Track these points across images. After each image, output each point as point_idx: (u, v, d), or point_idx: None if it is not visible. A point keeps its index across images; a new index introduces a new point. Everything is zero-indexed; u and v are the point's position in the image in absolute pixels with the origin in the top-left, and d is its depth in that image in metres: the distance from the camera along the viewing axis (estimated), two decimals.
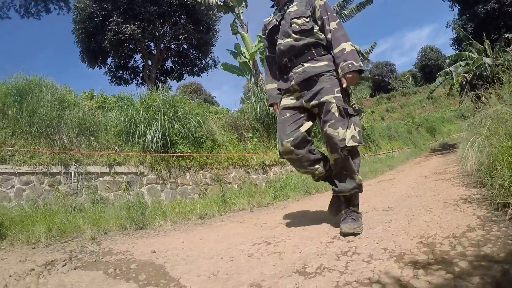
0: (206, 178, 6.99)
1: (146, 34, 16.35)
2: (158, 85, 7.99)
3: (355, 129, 2.23)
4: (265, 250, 2.09)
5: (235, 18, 13.56)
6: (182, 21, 17.37)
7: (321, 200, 4.30)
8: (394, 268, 1.43)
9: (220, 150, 7.54)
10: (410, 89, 44.18)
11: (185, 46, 18.98)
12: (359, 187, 2.31)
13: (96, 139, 6.11)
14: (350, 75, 2.22)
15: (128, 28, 15.18)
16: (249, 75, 13.36)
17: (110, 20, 15.30)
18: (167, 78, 19.70)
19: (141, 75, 19.65)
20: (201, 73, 20.31)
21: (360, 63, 2.23)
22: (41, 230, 3.08)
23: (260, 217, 3.64)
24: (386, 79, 45.42)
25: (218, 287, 1.58)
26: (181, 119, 7.05)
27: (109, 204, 5.11)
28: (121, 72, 19.67)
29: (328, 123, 2.22)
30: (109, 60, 18.84)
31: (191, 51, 19.62)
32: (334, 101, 2.22)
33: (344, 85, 2.24)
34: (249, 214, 4.08)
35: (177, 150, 6.70)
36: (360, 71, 2.24)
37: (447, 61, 18.54)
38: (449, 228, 1.88)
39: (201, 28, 17.62)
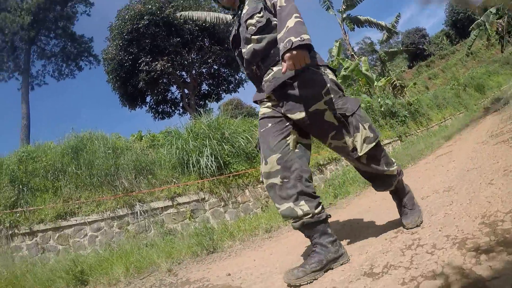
0: (265, 191, 7.11)
1: (176, 66, 16.96)
2: (200, 111, 8.27)
3: (364, 128, 1.87)
4: None
5: None
6: (207, 44, 17.80)
7: None
8: (457, 256, 1.44)
9: None
10: (447, 50, 41.52)
11: (215, 67, 19.36)
12: (398, 174, 2.06)
13: (153, 176, 6.46)
14: (288, 54, 1.68)
15: (158, 64, 15.82)
16: None
17: (139, 62, 16.05)
18: (206, 101, 20.15)
19: (181, 104, 20.27)
20: (238, 89, 20.62)
21: (304, 35, 1.68)
22: (119, 270, 3.21)
23: None
24: (420, 46, 43.26)
25: None
26: (230, 139, 7.21)
27: (177, 235, 5.32)
28: (161, 106, 20.42)
29: (330, 135, 1.90)
30: (148, 98, 19.66)
31: (223, 70, 19.97)
32: (326, 107, 1.84)
33: (283, 70, 1.73)
34: None
35: (232, 170, 6.89)
36: (305, 46, 1.69)
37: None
38: (511, 202, 1.84)
39: (226, 46, 17.99)
